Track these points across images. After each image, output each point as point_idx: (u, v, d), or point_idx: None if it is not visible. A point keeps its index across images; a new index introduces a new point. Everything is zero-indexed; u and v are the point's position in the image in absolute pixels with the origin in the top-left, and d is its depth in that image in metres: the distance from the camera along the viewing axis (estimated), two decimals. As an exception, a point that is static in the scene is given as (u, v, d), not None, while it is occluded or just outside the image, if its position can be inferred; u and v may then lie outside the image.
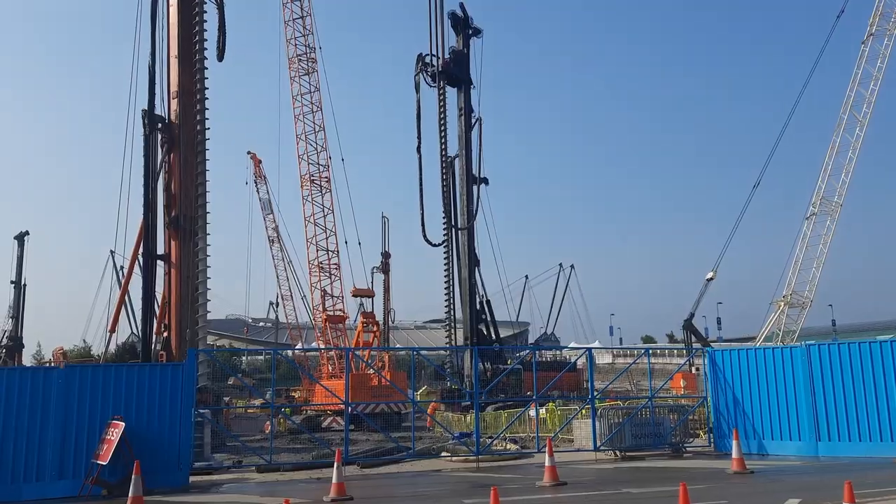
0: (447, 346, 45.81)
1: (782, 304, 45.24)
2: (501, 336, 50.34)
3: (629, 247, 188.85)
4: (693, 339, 46.07)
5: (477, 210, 45.35)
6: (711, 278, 45.90)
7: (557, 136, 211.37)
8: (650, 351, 24.98)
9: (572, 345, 76.68)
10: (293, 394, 48.30)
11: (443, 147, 45.50)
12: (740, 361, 19.89)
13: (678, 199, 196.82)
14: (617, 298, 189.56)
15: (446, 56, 45.76)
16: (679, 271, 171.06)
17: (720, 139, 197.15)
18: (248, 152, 68.17)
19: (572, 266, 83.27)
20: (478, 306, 45.06)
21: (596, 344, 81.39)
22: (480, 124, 46.21)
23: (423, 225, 44.43)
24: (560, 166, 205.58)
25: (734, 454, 15.89)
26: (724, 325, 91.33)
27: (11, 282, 58.36)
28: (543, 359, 52.70)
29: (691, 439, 21.14)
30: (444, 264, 45.04)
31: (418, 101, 45.48)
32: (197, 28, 24.74)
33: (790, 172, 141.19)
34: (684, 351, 48.49)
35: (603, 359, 78.65)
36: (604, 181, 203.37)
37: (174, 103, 24.38)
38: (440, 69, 45.21)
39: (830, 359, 18.28)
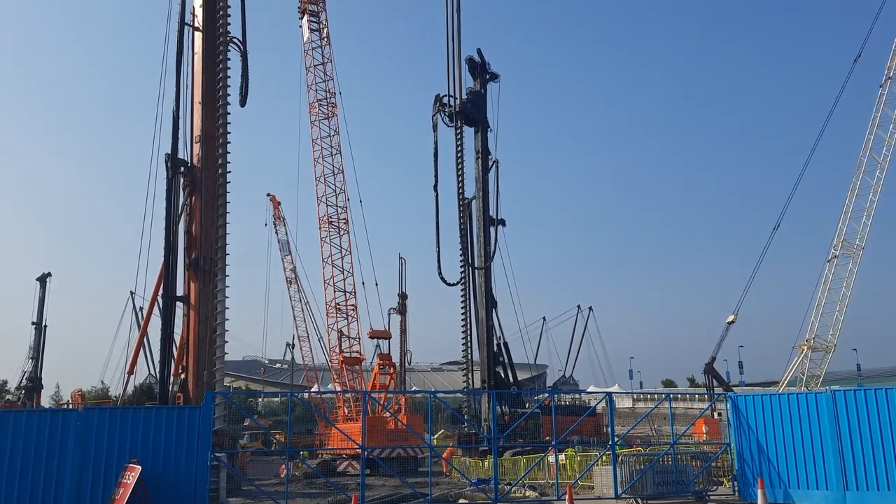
0: (464, 389, 45.41)
1: (805, 348, 44.50)
2: (519, 379, 49.90)
3: (648, 288, 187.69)
4: (715, 383, 45.37)
5: (494, 252, 45.38)
6: (732, 321, 45.37)
7: (574, 177, 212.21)
8: (671, 396, 24.58)
9: (591, 388, 75.67)
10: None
11: (460, 188, 45.82)
12: (764, 407, 19.48)
13: (698, 239, 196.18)
14: (636, 341, 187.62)
15: (464, 97, 46.39)
16: (699, 313, 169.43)
17: (740, 177, 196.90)
18: (268, 194, 68.99)
19: (590, 308, 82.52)
20: (495, 348, 44.75)
21: (616, 388, 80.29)
22: (497, 167, 46.53)
23: (439, 263, 44.55)
24: (577, 207, 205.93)
25: (760, 503, 15.49)
26: (746, 368, 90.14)
27: (32, 323, 58.90)
28: (562, 403, 52.04)
29: (715, 487, 20.64)
30: (462, 305, 44.93)
31: (435, 140, 45.99)
32: (220, 75, 25.29)
33: (811, 212, 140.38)
34: (706, 396, 47.73)
35: (623, 403, 77.53)
36: (622, 222, 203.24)
37: (197, 147, 24.82)
38: (457, 109, 45.76)
39: (857, 405, 17.86)
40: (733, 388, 50.52)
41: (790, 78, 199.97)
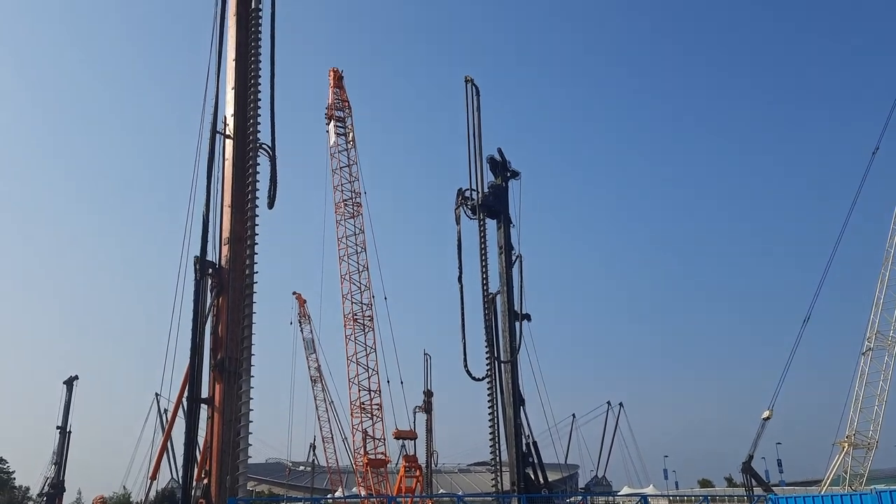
0: (493, 492, 43.97)
1: (846, 445, 42.82)
2: (550, 480, 48.17)
3: (679, 383, 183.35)
4: (754, 483, 43.56)
5: (520, 347, 44.92)
6: (768, 417, 43.98)
7: (600, 272, 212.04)
8: (709, 497, 23.58)
9: (625, 489, 72.92)
10: None
11: (484, 281, 45.92)
12: (807, 509, 18.61)
13: (729, 332, 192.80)
14: (670, 438, 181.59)
15: (485, 191, 47.27)
16: (734, 409, 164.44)
17: (769, 268, 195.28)
18: (294, 293, 69.72)
19: (620, 404, 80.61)
20: (524, 448, 43.53)
21: (650, 489, 77.30)
22: (521, 261, 46.70)
23: (465, 356, 43.92)
24: (603, 302, 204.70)
25: None
26: (785, 466, 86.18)
27: (57, 427, 58.61)
28: (595, 505, 50.10)
29: None
30: (489, 403, 44.10)
31: (459, 233, 46.46)
32: (250, 179, 26.10)
33: (843, 302, 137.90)
34: (746, 497, 45.80)
35: (658, 505, 74.42)
36: (650, 316, 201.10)
37: (225, 249, 25.32)
38: (480, 202, 46.54)
39: (906, 506, 17.01)
40: (773, 489, 48.38)
41: (812, 168, 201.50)
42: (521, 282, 46.97)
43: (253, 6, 27.98)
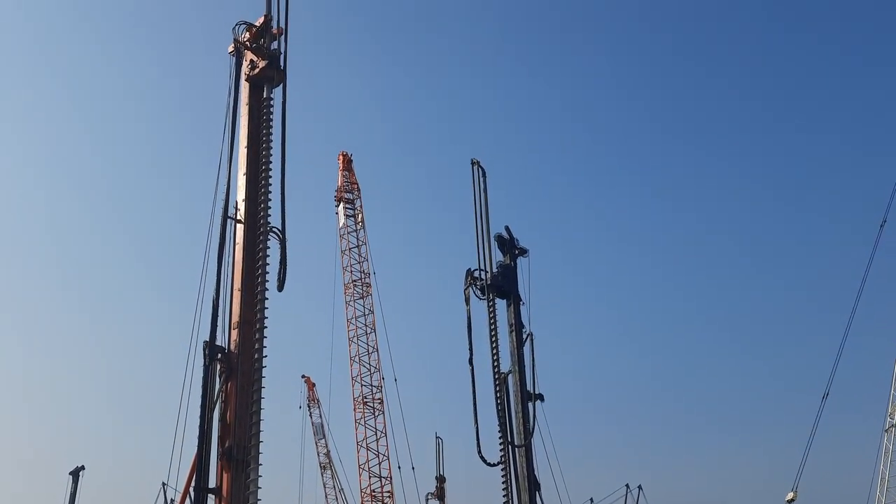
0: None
1: (876, 527, 41.30)
2: (568, 569, 46.35)
3: (698, 466, 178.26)
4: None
5: (534, 429, 43.99)
6: (792, 500, 42.49)
7: (611, 350, 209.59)
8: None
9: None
10: None
11: (494, 362, 45.38)
12: None
13: (747, 411, 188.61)
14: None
15: (494, 270, 47.32)
16: (755, 491, 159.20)
17: (786, 346, 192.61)
18: (303, 376, 68.75)
19: (640, 487, 77.85)
20: (541, 536, 42.06)
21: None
22: (532, 340, 46.20)
23: (478, 441, 42.63)
24: (617, 380, 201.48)
25: None
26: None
27: (63, 522, 57.06)
28: None
29: None
30: (503, 488, 42.87)
31: (468, 314, 45.91)
32: (260, 263, 26.26)
33: (864, 375, 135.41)
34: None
35: None
36: (664, 397, 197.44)
37: (234, 333, 25.21)
38: (488, 282, 46.41)
39: None
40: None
41: (827, 234, 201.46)
42: (533, 361, 46.28)
43: (265, 95, 28.88)
